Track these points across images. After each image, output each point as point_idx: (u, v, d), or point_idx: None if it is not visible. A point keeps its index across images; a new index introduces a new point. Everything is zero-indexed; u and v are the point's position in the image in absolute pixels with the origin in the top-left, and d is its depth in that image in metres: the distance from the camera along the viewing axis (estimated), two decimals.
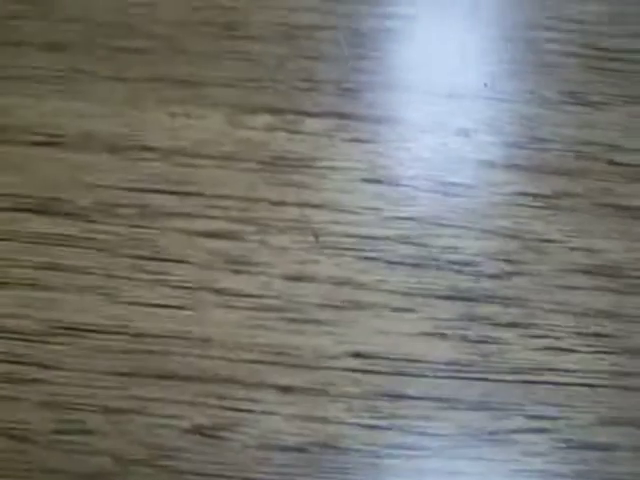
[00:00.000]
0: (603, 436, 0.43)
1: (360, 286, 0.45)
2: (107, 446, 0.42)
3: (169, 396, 0.43)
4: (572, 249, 0.47)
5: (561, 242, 0.47)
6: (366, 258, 0.46)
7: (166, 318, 0.44)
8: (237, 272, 0.45)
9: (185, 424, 0.42)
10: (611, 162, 0.49)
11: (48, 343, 0.44)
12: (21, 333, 0.44)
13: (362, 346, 0.44)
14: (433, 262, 0.46)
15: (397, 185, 0.48)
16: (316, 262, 0.45)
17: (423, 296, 0.45)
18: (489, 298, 0.45)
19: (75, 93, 0.50)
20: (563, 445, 0.42)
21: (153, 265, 0.45)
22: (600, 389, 0.44)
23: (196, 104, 0.50)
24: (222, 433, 0.42)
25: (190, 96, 0.50)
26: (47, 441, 0.42)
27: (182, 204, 0.47)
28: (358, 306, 0.45)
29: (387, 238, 0.46)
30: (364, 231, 0.46)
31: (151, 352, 0.44)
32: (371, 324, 0.44)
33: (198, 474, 0.42)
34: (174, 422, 0.42)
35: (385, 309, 0.45)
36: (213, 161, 0.48)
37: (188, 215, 0.47)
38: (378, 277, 0.45)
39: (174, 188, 0.47)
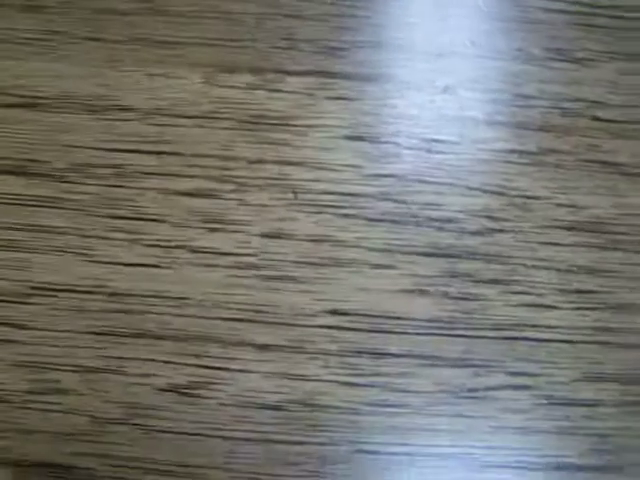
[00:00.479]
0: (586, 392, 0.42)
1: (339, 243, 0.44)
2: (83, 405, 0.41)
3: (145, 355, 0.42)
4: (557, 205, 0.46)
5: (546, 198, 0.46)
6: (345, 215, 0.45)
7: (143, 277, 0.44)
8: (214, 230, 0.44)
9: (161, 383, 0.42)
10: (597, 118, 0.48)
11: (24, 304, 0.43)
12: None
13: (341, 303, 0.43)
14: (413, 219, 0.45)
15: (379, 142, 0.47)
16: (294, 220, 0.45)
17: (403, 253, 0.44)
18: (471, 255, 0.45)
19: (53, 54, 0.49)
20: (545, 402, 0.42)
21: (130, 224, 0.45)
22: (582, 345, 0.43)
23: (175, 64, 0.49)
24: (198, 391, 0.42)
25: (169, 56, 0.49)
26: (22, 401, 0.42)
27: (159, 163, 0.46)
28: (337, 263, 0.44)
29: (367, 195, 0.45)
30: (344, 188, 0.46)
31: (127, 311, 0.43)
32: (350, 281, 0.44)
33: (174, 432, 0.41)
34: (150, 381, 0.42)
35: (364, 266, 0.44)
36: (191, 120, 0.47)
37: (165, 174, 0.46)
38: (357, 234, 0.45)
39: (151, 148, 0.47)
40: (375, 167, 0.46)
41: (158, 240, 0.44)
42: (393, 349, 0.42)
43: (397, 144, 0.47)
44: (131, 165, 0.46)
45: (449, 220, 0.45)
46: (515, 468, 0.41)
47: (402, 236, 0.44)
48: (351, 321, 0.43)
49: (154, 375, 0.42)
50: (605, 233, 0.45)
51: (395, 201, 0.45)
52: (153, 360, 0.42)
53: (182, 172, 0.46)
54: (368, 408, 0.41)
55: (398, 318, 0.43)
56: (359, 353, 0.42)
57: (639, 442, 0.41)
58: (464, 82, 0.48)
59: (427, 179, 0.46)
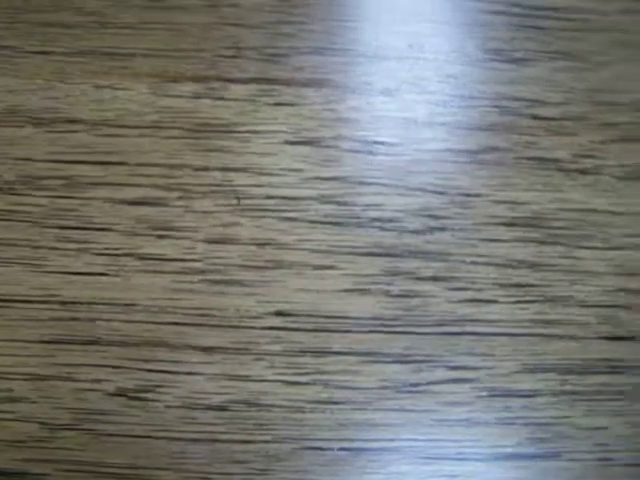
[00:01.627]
0: (525, 383, 0.43)
1: (281, 246, 0.46)
2: (34, 413, 0.42)
3: (94, 361, 0.43)
4: (496, 202, 0.47)
5: (485, 196, 0.47)
6: (287, 218, 0.46)
7: (92, 285, 0.45)
8: (161, 237, 0.46)
9: (110, 387, 0.43)
10: (535, 116, 0.50)
11: None
12: None
13: (284, 305, 0.44)
14: (354, 220, 0.46)
15: (320, 146, 0.48)
16: (238, 224, 0.46)
17: (344, 253, 0.45)
18: (411, 253, 0.46)
19: (1, 68, 0.50)
20: (485, 394, 0.43)
21: (78, 234, 0.46)
22: (521, 337, 0.44)
23: (121, 75, 0.50)
24: (146, 395, 0.43)
25: (116, 67, 0.50)
26: None
27: (106, 173, 0.47)
28: (280, 266, 0.45)
29: (309, 198, 0.47)
30: (286, 192, 0.47)
31: (77, 319, 0.44)
32: (293, 283, 0.45)
33: (124, 435, 0.42)
34: (99, 386, 0.43)
35: (307, 268, 0.45)
36: (137, 130, 0.48)
37: (112, 184, 0.47)
38: (299, 237, 0.46)
39: (99, 158, 0.48)
40: (317, 170, 0.47)
41: (106, 249, 0.45)
42: (336, 347, 0.44)
43: (338, 147, 0.48)
44: (79, 176, 0.47)
45: (390, 220, 0.46)
46: (457, 460, 0.42)
47: (343, 237, 0.46)
48: (295, 322, 0.44)
49: (103, 380, 0.43)
50: (544, 228, 0.46)
51: (337, 203, 0.46)
52: (102, 366, 0.43)
53: (129, 181, 0.47)
54: (312, 405, 0.42)
55: (340, 317, 0.44)
56: (303, 352, 0.43)
57: (576, 430, 0.42)
58: (403, 84, 0.50)
59: (368, 180, 0.47)
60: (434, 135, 0.49)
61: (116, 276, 0.45)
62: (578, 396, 0.43)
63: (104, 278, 0.45)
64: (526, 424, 0.43)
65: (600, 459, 0.42)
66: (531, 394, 0.43)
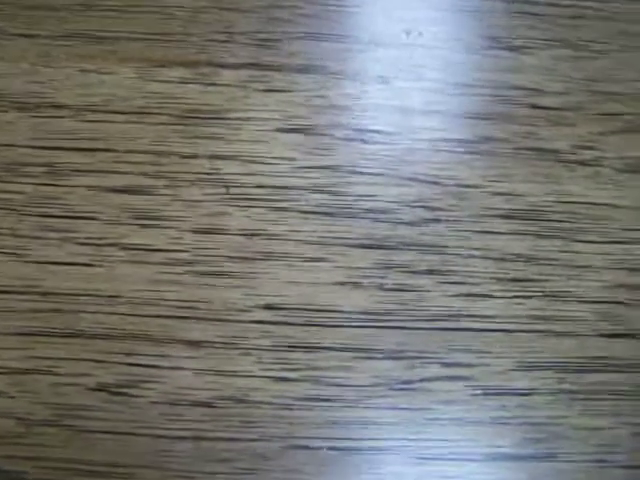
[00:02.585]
0: (521, 381, 0.42)
1: (272, 237, 0.44)
2: (12, 408, 0.41)
3: (76, 355, 0.42)
4: (493, 194, 0.46)
5: (482, 187, 0.46)
6: (278, 208, 0.45)
7: (75, 276, 0.43)
8: (146, 227, 0.44)
9: (90, 382, 0.41)
10: (534, 106, 0.48)
11: None
12: None
13: (274, 298, 0.43)
14: (347, 210, 0.44)
15: (313, 134, 0.47)
16: (227, 214, 0.44)
17: (336, 245, 0.44)
18: (406, 246, 0.44)
19: None
20: (480, 392, 0.42)
21: (61, 223, 0.44)
22: (518, 334, 0.43)
23: (108, 59, 0.49)
24: (128, 390, 0.41)
25: (102, 51, 0.49)
26: None
27: (91, 160, 0.46)
28: (270, 257, 0.44)
29: (300, 188, 0.45)
30: (277, 181, 0.45)
31: (59, 311, 0.42)
32: (283, 275, 0.43)
33: (105, 432, 0.41)
34: (79, 381, 0.41)
35: (297, 259, 0.44)
36: (124, 116, 0.47)
37: (97, 171, 0.46)
38: (290, 227, 0.44)
39: (84, 145, 0.46)
40: (308, 159, 0.46)
41: (90, 238, 0.44)
42: (327, 342, 0.42)
43: (331, 135, 0.46)
44: (63, 163, 0.45)
45: (383, 211, 0.45)
46: (450, 460, 0.40)
47: (336, 228, 0.44)
48: (285, 315, 0.42)
49: (84, 375, 0.41)
50: (541, 221, 0.45)
51: (329, 193, 0.45)
52: (83, 360, 0.41)
53: (114, 169, 0.45)
54: (301, 403, 0.41)
55: (332, 311, 0.43)
56: (293, 348, 0.42)
57: (573, 430, 0.41)
58: (397, 72, 0.48)
59: (361, 170, 0.46)
60: (430, 124, 0.47)
61: (100, 267, 0.43)
62: (575, 395, 0.42)
63: (87, 269, 0.43)
64: (521, 424, 0.41)
65: (597, 460, 0.41)
66: (527, 393, 0.42)
